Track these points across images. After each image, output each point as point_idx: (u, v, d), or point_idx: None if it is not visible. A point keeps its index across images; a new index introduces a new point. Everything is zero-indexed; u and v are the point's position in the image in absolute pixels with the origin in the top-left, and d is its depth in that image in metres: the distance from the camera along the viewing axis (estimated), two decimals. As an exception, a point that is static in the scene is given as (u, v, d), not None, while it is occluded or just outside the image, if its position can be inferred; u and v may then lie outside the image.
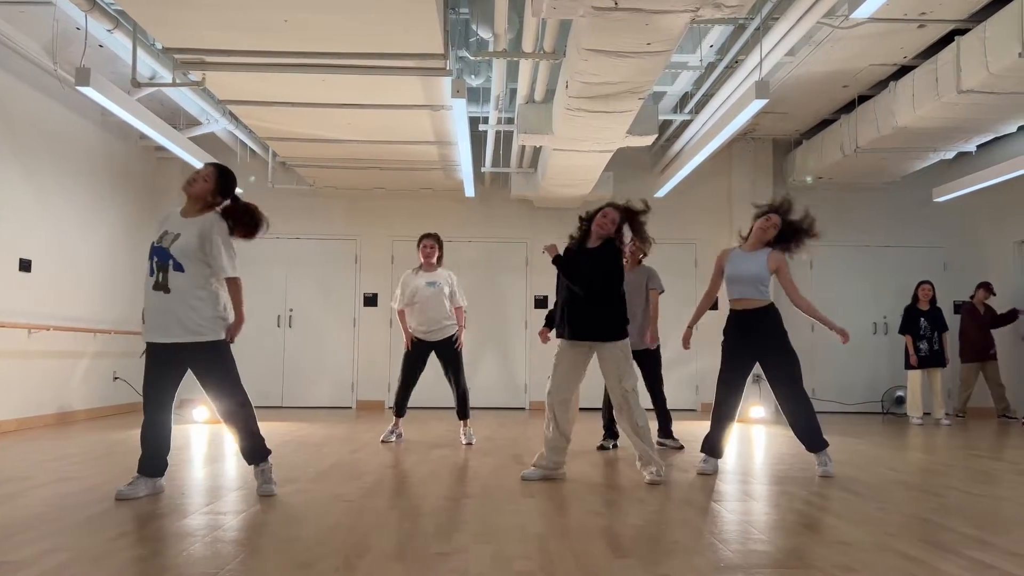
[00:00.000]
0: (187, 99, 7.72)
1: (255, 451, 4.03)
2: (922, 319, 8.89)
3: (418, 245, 6.31)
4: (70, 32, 6.46)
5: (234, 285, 3.93)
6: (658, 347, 6.23)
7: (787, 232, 4.99)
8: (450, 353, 6.22)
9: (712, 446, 4.92)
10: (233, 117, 7.83)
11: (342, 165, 8.66)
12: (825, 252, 10.40)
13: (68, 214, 7.92)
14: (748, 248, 5.02)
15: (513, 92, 7.59)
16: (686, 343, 5.15)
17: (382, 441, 6.28)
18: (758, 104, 5.89)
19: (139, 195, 9.45)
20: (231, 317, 3.93)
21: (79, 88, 5.60)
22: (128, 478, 3.97)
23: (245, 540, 3.04)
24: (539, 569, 2.65)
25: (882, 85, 7.88)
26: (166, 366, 3.87)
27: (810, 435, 4.84)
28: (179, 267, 3.79)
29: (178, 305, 3.77)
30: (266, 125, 7.32)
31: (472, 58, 6.13)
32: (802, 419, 4.81)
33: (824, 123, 9.40)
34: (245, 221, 4.00)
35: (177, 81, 6.13)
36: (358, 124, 7.07)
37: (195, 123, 8.58)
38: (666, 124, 9.53)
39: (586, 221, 4.69)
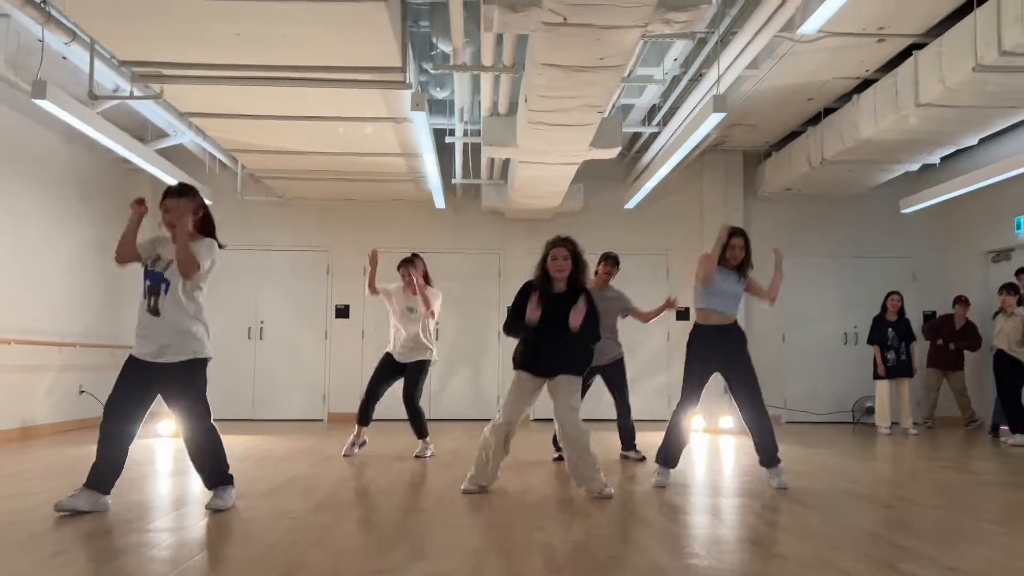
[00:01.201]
0: (153, 111, 7.68)
1: (220, 476, 4.00)
2: (890, 329, 8.96)
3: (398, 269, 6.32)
4: (33, 44, 6.43)
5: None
6: (623, 358, 6.23)
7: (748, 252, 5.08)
8: (413, 373, 6.23)
9: (667, 457, 4.93)
10: (199, 129, 7.79)
11: (310, 177, 8.65)
12: (795, 262, 10.45)
13: (32, 226, 7.85)
14: (727, 267, 5.01)
15: (480, 104, 7.61)
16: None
17: (344, 455, 6.25)
18: (716, 118, 5.93)
19: (107, 207, 9.38)
20: (207, 336, 3.95)
21: (35, 101, 5.56)
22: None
23: (178, 559, 3.01)
24: (469, 586, 2.65)
25: (846, 98, 7.96)
26: (145, 383, 3.85)
27: (768, 450, 4.86)
28: (169, 290, 3.84)
29: (168, 328, 3.82)
30: (230, 137, 7.31)
31: (433, 71, 6.14)
32: (765, 434, 4.84)
33: (793, 135, 9.48)
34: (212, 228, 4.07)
35: (136, 94, 6.10)
36: (322, 136, 7.06)
37: (163, 135, 8.55)
38: (636, 136, 9.59)
39: (541, 268, 4.60)
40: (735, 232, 5.05)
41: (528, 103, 5.71)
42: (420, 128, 6.11)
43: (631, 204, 9.54)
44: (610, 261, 6.30)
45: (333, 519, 3.76)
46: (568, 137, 6.31)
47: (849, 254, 10.51)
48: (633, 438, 6.28)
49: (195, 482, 4.65)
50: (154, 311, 3.83)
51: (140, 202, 3.93)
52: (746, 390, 4.87)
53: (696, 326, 5.02)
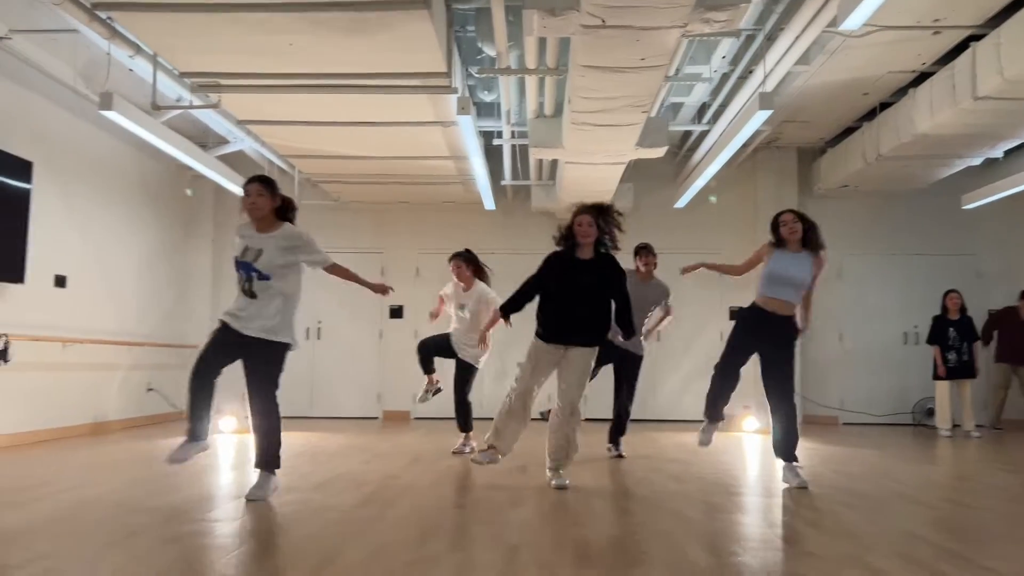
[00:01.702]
0: (214, 119, 7.98)
1: (268, 459, 4.21)
2: (951, 329, 8.71)
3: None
4: (102, 58, 6.75)
5: (338, 267, 4.37)
6: (641, 358, 6.28)
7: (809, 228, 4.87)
8: (461, 370, 6.34)
9: (711, 412, 4.93)
10: (256, 136, 8.07)
11: (364, 180, 8.86)
12: (853, 260, 10.29)
13: (103, 232, 8.25)
14: (792, 249, 4.84)
15: (526, 106, 7.70)
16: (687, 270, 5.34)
17: (453, 452, 6.34)
18: (763, 115, 5.90)
19: (172, 213, 9.79)
20: (294, 323, 4.28)
21: (103, 112, 5.85)
22: (147, 483, 4.15)
23: (227, 547, 3.17)
24: (497, 574, 2.73)
25: (903, 92, 7.78)
26: (229, 347, 4.13)
27: (788, 446, 4.76)
28: (265, 277, 4.14)
29: (261, 308, 4.13)
30: (285, 143, 7.55)
31: (477, 75, 6.25)
32: (789, 428, 4.76)
33: (849, 130, 9.30)
34: (292, 214, 4.36)
35: (195, 103, 6.36)
36: (373, 141, 7.24)
37: (223, 142, 8.87)
38: (687, 135, 9.55)
39: (565, 236, 4.68)
40: (783, 211, 4.94)
41: (572, 104, 5.77)
42: (467, 131, 6.22)
43: (681, 203, 9.50)
44: (642, 253, 6.29)
45: (376, 513, 3.89)
46: (613, 137, 6.34)
47: (909, 251, 10.25)
48: (621, 434, 6.25)
49: (252, 476, 4.85)
50: (250, 293, 4.14)
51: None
52: (778, 382, 4.77)
53: (752, 305, 4.89)
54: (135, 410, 8.85)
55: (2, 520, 3.66)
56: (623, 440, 6.28)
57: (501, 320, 4.85)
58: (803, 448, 4.93)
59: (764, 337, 4.79)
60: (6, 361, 6.42)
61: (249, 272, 4.14)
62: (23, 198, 6.72)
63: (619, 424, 6.27)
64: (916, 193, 9.92)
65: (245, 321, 4.12)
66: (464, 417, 6.39)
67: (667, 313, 6.38)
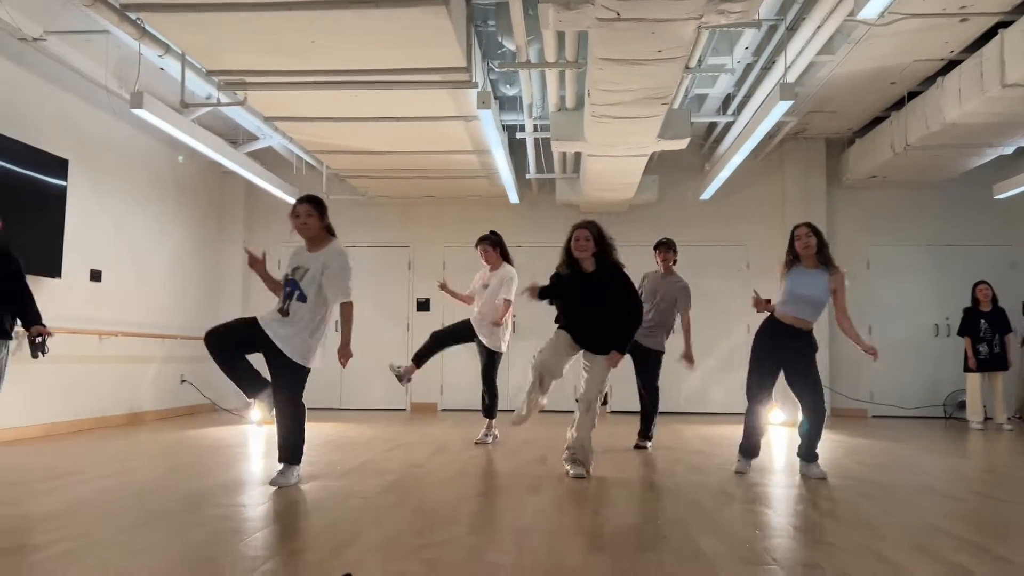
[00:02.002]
0: (243, 116, 8.12)
1: (291, 453, 4.35)
2: (982, 320, 8.59)
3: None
4: (134, 57, 6.92)
5: (347, 308, 4.35)
6: (661, 353, 6.30)
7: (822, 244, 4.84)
8: (484, 357, 6.41)
9: (747, 448, 4.96)
10: (283, 132, 8.20)
11: (389, 175, 8.96)
12: (882, 252, 10.18)
13: (137, 227, 8.45)
14: (808, 265, 4.84)
15: (547, 100, 7.73)
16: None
17: (476, 443, 6.42)
18: (783, 106, 5.87)
19: (204, 208, 9.98)
20: (319, 347, 4.33)
21: (134, 110, 6.01)
22: (176, 470, 4.28)
23: (248, 531, 3.27)
24: (508, 561, 2.79)
25: (931, 81, 7.68)
26: (253, 335, 4.22)
27: (812, 447, 4.82)
28: (303, 298, 4.27)
29: (290, 328, 4.24)
30: (311, 139, 7.67)
31: (497, 69, 6.30)
32: (816, 431, 4.81)
33: (878, 120, 9.19)
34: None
35: (222, 101, 6.49)
36: (397, 136, 7.33)
37: (253, 138, 9.02)
38: (712, 126, 9.50)
39: (566, 253, 4.80)
40: (798, 225, 4.90)
41: (591, 97, 5.80)
42: (487, 125, 6.28)
43: (706, 195, 9.46)
44: (660, 248, 6.33)
45: (397, 500, 3.97)
46: (633, 129, 6.35)
47: (941, 242, 10.11)
48: (647, 428, 6.28)
49: (260, 465, 4.97)
50: (284, 312, 4.27)
51: (253, 261, 4.46)
52: (807, 388, 4.81)
53: (769, 318, 4.93)
54: (170, 401, 9.06)
55: (32, 505, 3.80)
56: (653, 434, 6.32)
57: (529, 296, 4.99)
58: (828, 440, 4.97)
59: (784, 347, 4.81)
60: (44, 353, 6.61)
61: (292, 290, 4.29)
62: (59, 195, 6.92)
63: (644, 418, 6.30)
64: (947, 183, 9.78)
65: (275, 329, 4.25)
66: (490, 403, 6.44)
67: (684, 319, 6.30)
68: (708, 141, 9.77)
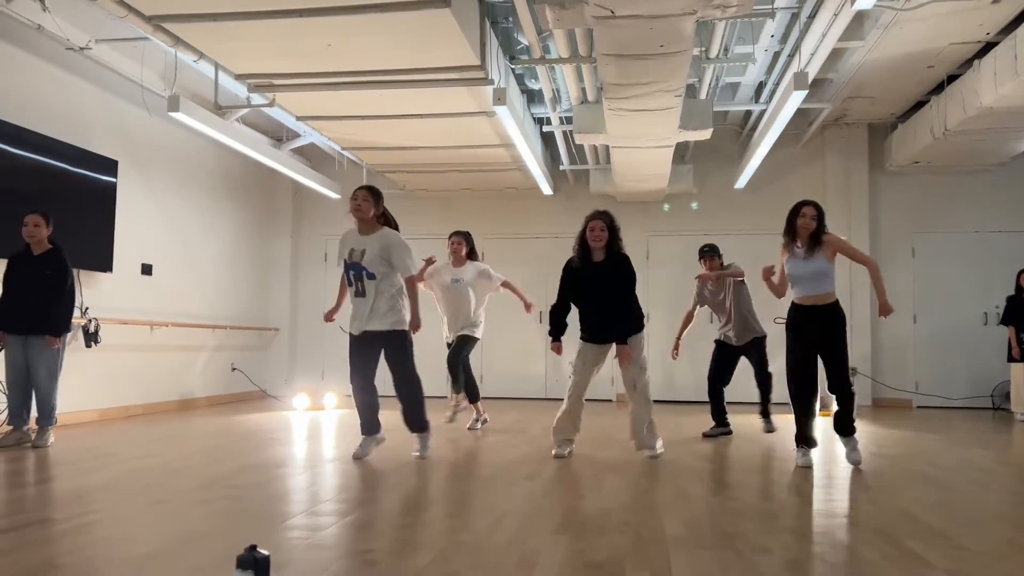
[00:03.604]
0: (284, 115, 8.45)
1: (416, 422, 5.00)
2: (1028, 309, 8.34)
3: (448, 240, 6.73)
4: (182, 63, 7.29)
5: (411, 284, 4.90)
6: (764, 337, 6.51)
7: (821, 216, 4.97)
8: (461, 339, 6.60)
9: (802, 437, 4.93)
10: (318, 131, 8.50)
11: (425, 170, 9.18)
12: (927, 239, 9.93)
13: (187, 223, 8.89)
14: (803, 243, 4.92)
15: (569, 93, 7.82)
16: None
17: (468, 428, 6.71)
18: (799, 96, 5.84)
19: (253, 205, 10.41)
20: (407, 311, 4.88)
21: (171, 113, 6.36)
22: (207, 454, 4.59)
23: (248, 509, 3.53)
24: (474, 539, 2.96)
25: (970, 64, 7.48)
26: (368, 349, 4.83)
27: (845, 421, 4.90)
28: (371, 276, 4.80)
29: (372, 303, 4.79)
30: (342, 136, 7.95)
31: (511, 65, 6.43)
32: (845, 408, 4.89)
33: (921, 104, 8.98)
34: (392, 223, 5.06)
35: (253, 102, 6.80)
36: (425, 132, 7.54)
37: (296, 135, 9.38)
38: (749, 114, 9.43)
39: (580, 241, 5.04)
40: (805, 202, 5.00)
41: (605, 91, 5.88)
42: (506, 121, 6.42)
43: (740, 184, 9.40)
44: (705, 256, 6.52)
45: (397, 482, 4.19)
46: (651, 121, 6.41)
47: (989, 228, 9.80)
48: (767, 408, 6.62)
49: (305, 447, 5.25)
50: (361, 293, 4.83)
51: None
52: (834, 368, 4.84)
53: (791, 305, 4.99)
54: (220, 388, 9.52)
55: (70, 482, 4.16)
56: (772, 416, 6.69)
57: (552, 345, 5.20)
58: (860, 431, 5.03)
59: (816, 328, 4.85)
60: (96, 343, 7.08)
61: (359, 272, 4.78)
62: (110, 194, 7.36)
63: (763, 399, 6.64)
64: (995, 167, 9.49)
65: (365, 319, 4.78)
66: (469, 387, 6.62)
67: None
68: (745, 129, 9.70)
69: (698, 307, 6.67)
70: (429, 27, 5.05)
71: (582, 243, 5.02)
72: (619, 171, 8.40)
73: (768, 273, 5.00)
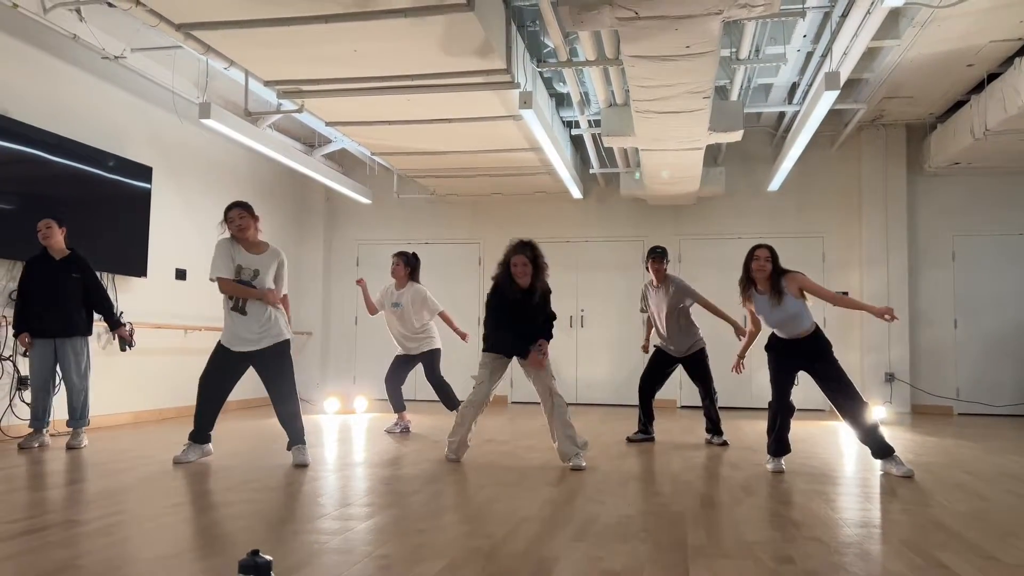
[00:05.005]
0: (316, 121, 8.53)
1: (297, 434, 5.02)
2: (1074, 314, 8.08)
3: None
4: (214, 70, 7.40)
5: (286, 298, 5.40)
6: (702, 349, 6.32)
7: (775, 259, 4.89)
8: (426, 359, 6.93)
9: (775, 448, 4.95)
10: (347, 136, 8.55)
11: (454, 174, 9.19)
12: (968, 242, 9.69)
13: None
14: (762, 288, 4.90)
15: (597, 96, 7.77)
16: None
17: (386, 431, 6.89)
18: (830, 96, 5.72)
19: (285, 210, 10.52)
20: (282, 317, 5.23)
21: (202, 120, 6.45)
22: (236, 456, 4.65)
23: (264, 512, 3.54)
24: (489, 544, 2.94)
25: (1010, 62, 7.29)
26: (241, 367, 5.16)
27: (876, 444, 4.77)
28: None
29: (259, 322, 5.17)
30: (371, 141, 7.99)
31: (537, 69, 6.40)
32: (867, 429, 4.76)
33: (961, 104, 8.76)
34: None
35: (283, 108, 6.87)
36: (453, 136, 7.54)
37: (327, 141, 9.46)
38: (783, 115, 9.30)
39: (504, 268, 5.12)
40: (758, 246, 4.92)
41: (632, 94, 5.83)
42: (533, 124, 6.40)
43: (773, 186, 9.27)
44: (650, 257, 6.34)
45: (415, 488, 4.18)
46: (679, 124, 6.33)
47: (1033, 231, 9.55)
48: (717, 423, 6.31)
49: (314, 453, 5.27)
50: (241, 310, 5.15)
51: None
52: (840, 392, 4.78)
53: (772, 333, 5.00)
54: (253, 391, 9.55)
55: (98, 483, 4.22)
56: (724, 428, 6.42)
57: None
58: (889, 436, 4.90)
59: (800, 356, 4.86)
60: (131, 346, 7.19)
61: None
62: (145, 200, 7.49)
63: (708, 418, 6.36)
64: (1040, 168, 9.24)
65: (252, 343, 5.14)
66: (447, 397, 6.86)
67: (709, 308, 6.27)
68: (779, 131, 9.56)
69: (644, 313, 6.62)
70: (454, 31, 5.05)
71: (507, 273, 5.05)
72: (649, 174, 8.33)
73: (746, 335, 5.33)
